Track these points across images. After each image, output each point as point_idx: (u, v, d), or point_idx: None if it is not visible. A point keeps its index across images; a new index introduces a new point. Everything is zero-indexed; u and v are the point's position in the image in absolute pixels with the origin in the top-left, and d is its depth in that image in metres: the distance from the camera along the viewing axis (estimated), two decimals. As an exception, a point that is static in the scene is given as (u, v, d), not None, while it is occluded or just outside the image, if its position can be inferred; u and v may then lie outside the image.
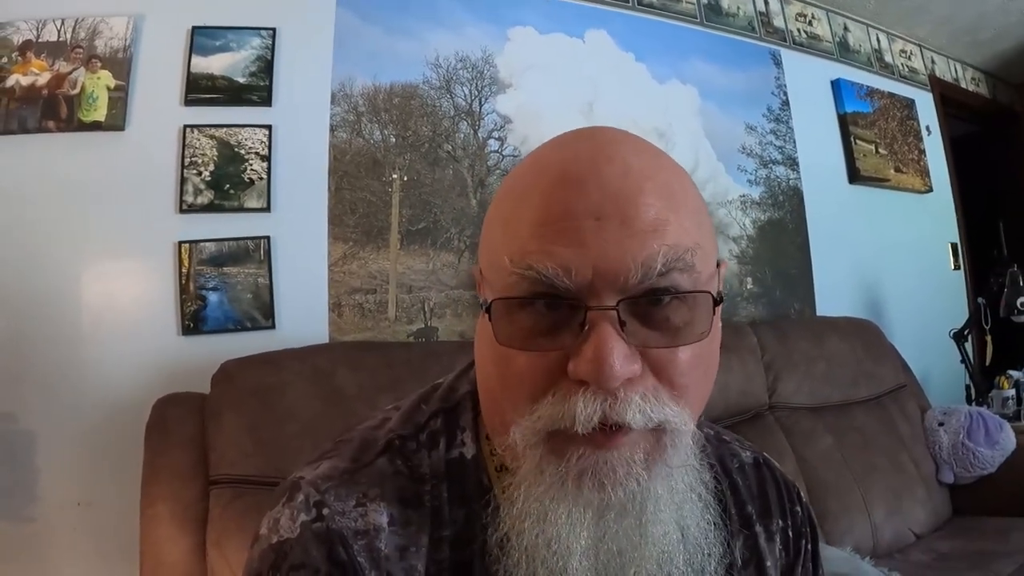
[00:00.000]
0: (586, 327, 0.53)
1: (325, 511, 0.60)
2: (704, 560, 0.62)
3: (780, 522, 0.76)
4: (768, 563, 0.73)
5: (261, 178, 1.97)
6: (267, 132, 2.00)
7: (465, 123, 2.32)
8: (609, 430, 0.54)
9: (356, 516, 0.61)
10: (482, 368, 0.63)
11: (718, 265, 0.63)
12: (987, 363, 3.15)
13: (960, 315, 3.32)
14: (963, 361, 3.00)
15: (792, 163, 3.08)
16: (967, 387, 3.06)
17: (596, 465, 0.55)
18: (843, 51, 3.43)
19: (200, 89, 1.96)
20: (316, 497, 0.61)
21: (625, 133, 0.62)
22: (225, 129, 1.96)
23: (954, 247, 3.75)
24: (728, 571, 0.67)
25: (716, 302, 0.58)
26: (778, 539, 0.75)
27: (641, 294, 0.54)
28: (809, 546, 0.78)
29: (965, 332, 3.01)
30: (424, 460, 0.65)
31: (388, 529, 0.61)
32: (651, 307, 0.55)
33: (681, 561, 0.60)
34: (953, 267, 3.72)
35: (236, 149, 1.96)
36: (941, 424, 2.50)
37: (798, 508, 0.78)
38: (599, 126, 0.63)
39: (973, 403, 2.95)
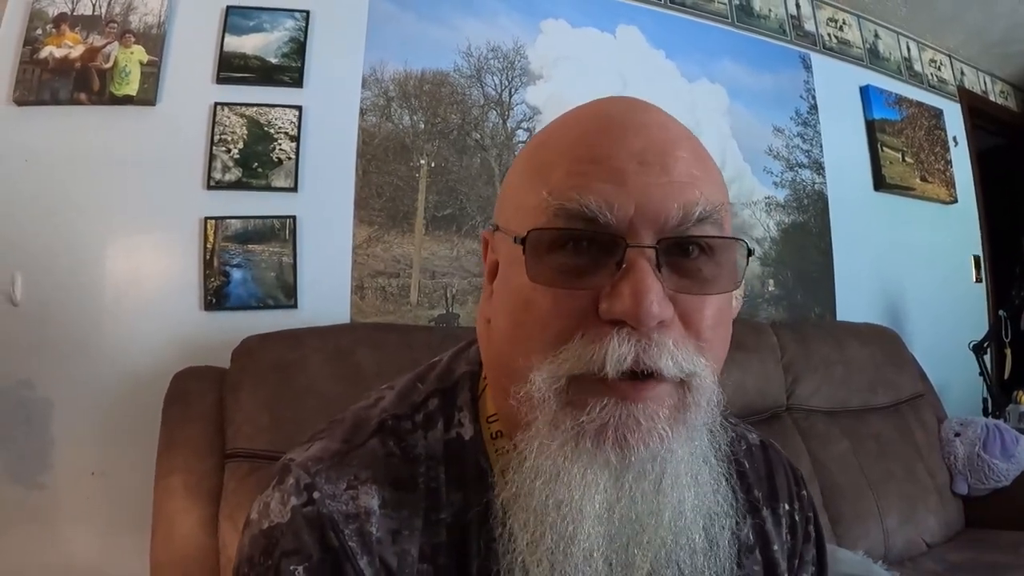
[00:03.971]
0: (623, 265, 0.53)
1: (315, 495, 0.59)
2: (719, 532, 0.61)
3: (786, 506, 0.75)
4: (775, 547, 0.72)
5: (289, 158, 1.98)
6: (297, 113, 2.00)
7: (494, 112, 2.33)
8: (639, 379, 0.54)
9: (347, 499, 0.60)
10: (496, 325, 0.62)
11: None
12: (1005, 377, 3.12)
13: (980, 327, 3.29)
14: (981, 373, 2.98)
15: (818, 167, 3.06)
16: (984, 400, 3.03)
17: (620, 418, 0.53)
18: (873, 58, 3.40)
19: (232, 68, 1.97)
20: (306, 480, 0.60)
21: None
22: (256, 108, 1.97)
23: (976, 259, 3.71)
24: (738, 547, 0.66)
25: (749, 252, 0.59)
26: (784, 523, 0.74)
27: (678, 238, 0.55)
28: (812, 531, 0.77)
29: (985, 345, 2.98)
30: (419, 441, 0.64)
31: (379, 512, 0.60)
32: (682, 257, 0.56)
33: (698, 529, 0.59)
34: (975, 279, 3.69)
35: (266, 128, 1.97)
36: (957, 435, 2.48)
37: (804, 492, 0.78)
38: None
39: (990, 416, 2.92)
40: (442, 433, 0.65)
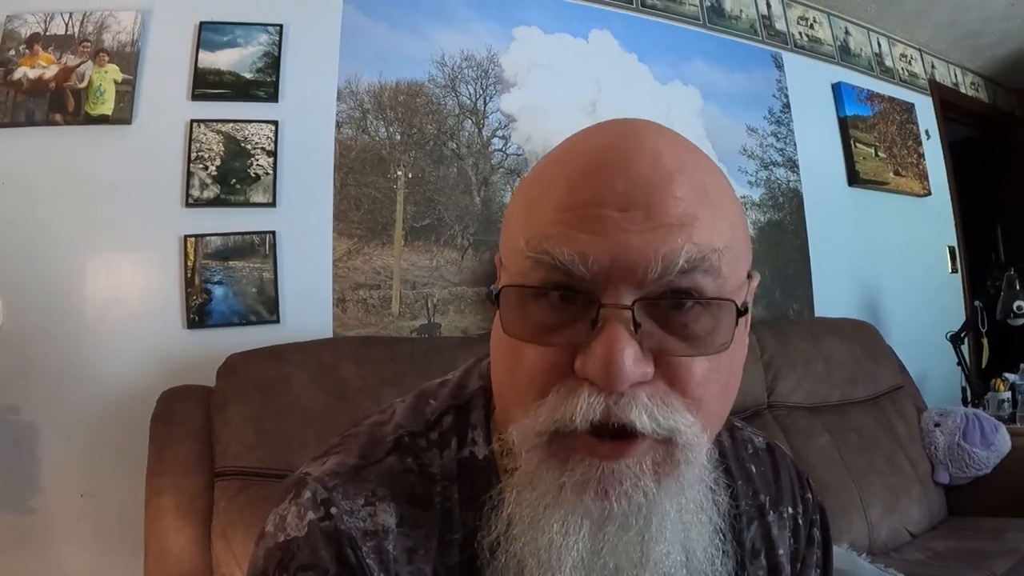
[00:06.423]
0: (598, 323, 0.50)
1: (333, 510, 0.58)
2: None
3: (791, 509, 0.74)
4: (780, 551, 0.71)
5: (267, 173, 1.98)
6: (273, 128, 2.01)
7: (470, 121, 2.33)
8: (615, 437, 0.51)
9: (365, 516, 0.59)
10: (496, 362, 0.60)
11: (748, 276, 0.59)
12: (983, 366, 3.17)
13: (957, 318, 3.33)
14: (960, 363, 3.02)
15: (792, 165, 3.09)
16: (963, 389, 3.08)
17: (600, 475, 0.52)
18: (844, 55, 3.44)
19: (207, 84, 1.97)
20: (323, 495, 0.59)
21: (662, 126, 0.58)
22: (232, 124, 1.97)
23: (952, 250, 3.76)
24: (743, 555, 0.67)
25: (740, 312, 0.53)
26: (788, 526, 0.74)
27: (660, 293, 0.51)
28: (818, 534, 0.77)
29: (962, 335, 3.03)
30: (435, 459, 0.63)
31: (396, 530, 0.59)
32: (671, 311, 0.52)
33: None
34: (951, 270, 3.74)
35: (243, 144, 1.97)
36: (937, 425, 2.52)
37: (809, 495, 0.77)
38: (637, 118, 0.59)
39: (969, 405, 2.96)
40: (456, 451, 0.63)
